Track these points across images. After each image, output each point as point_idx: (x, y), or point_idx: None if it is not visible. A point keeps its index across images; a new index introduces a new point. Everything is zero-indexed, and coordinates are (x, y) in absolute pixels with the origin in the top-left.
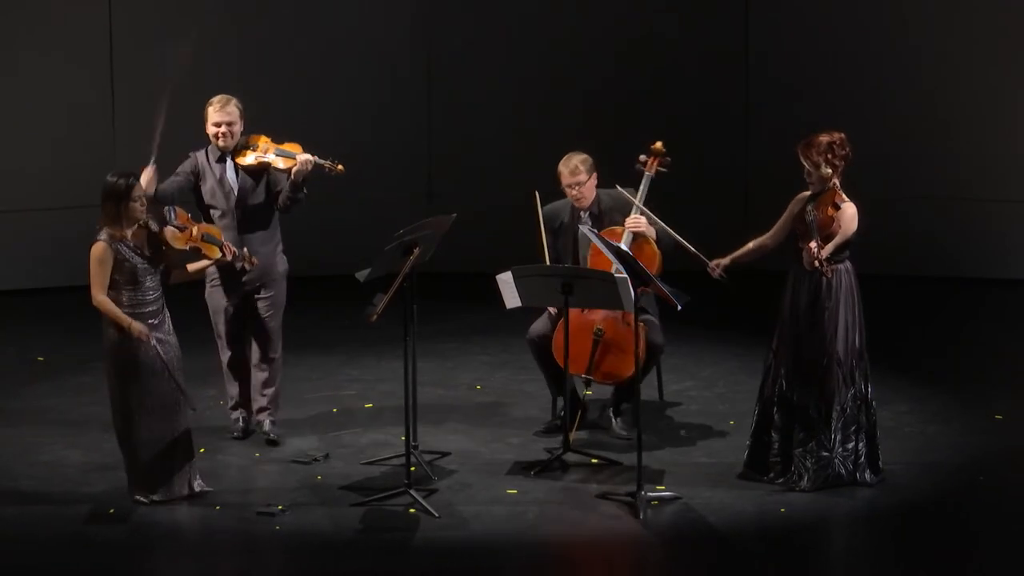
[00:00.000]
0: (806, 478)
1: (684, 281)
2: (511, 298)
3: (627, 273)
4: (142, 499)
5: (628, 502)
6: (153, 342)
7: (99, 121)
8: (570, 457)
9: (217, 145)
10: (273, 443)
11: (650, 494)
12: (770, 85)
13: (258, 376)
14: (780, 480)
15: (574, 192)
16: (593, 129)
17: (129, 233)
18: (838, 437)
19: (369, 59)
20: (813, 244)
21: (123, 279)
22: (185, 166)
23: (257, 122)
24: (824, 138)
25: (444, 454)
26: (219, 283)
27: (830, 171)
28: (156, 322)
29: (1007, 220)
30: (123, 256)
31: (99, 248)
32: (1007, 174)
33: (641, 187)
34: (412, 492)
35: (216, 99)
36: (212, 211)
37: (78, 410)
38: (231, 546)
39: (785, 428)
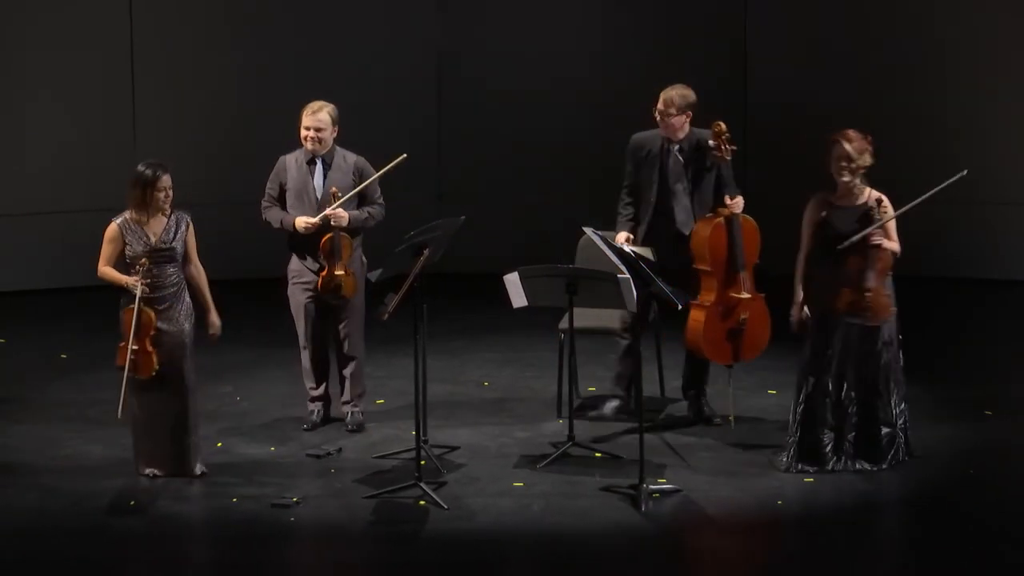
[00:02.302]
0: (884, 457)
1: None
2: (518, 298)
3: (629, 274)
4: (145, 472)
5: (630, 495)
6: (138, 291)
7: (119, 126)
8: (574, 451)
9: (307, 148)
10: (353, 432)
11: (651, 487)
12: (769, 87)
13: (342, 374)
14: (844, 467)
15: (658, 120)
16: (600, 130)
17: (151, 221)
18: (896, 411)
19: (379, 60)
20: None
21: (131, 263)
22: (273, 187)
23: (266, 124)
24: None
25: (453, 448)
26: (301, 281)
27: (871, 162)
28: (160, 308)
29: (1005, 222)
30: (130, 241)
31: (111, 228)
32: (1006, 177)
33: (727, 179)
34: (422, 485)
35: (310, 104)
36: (295, 210)
37: (98, 406)
38: (247, 537)
39: (839, 417)
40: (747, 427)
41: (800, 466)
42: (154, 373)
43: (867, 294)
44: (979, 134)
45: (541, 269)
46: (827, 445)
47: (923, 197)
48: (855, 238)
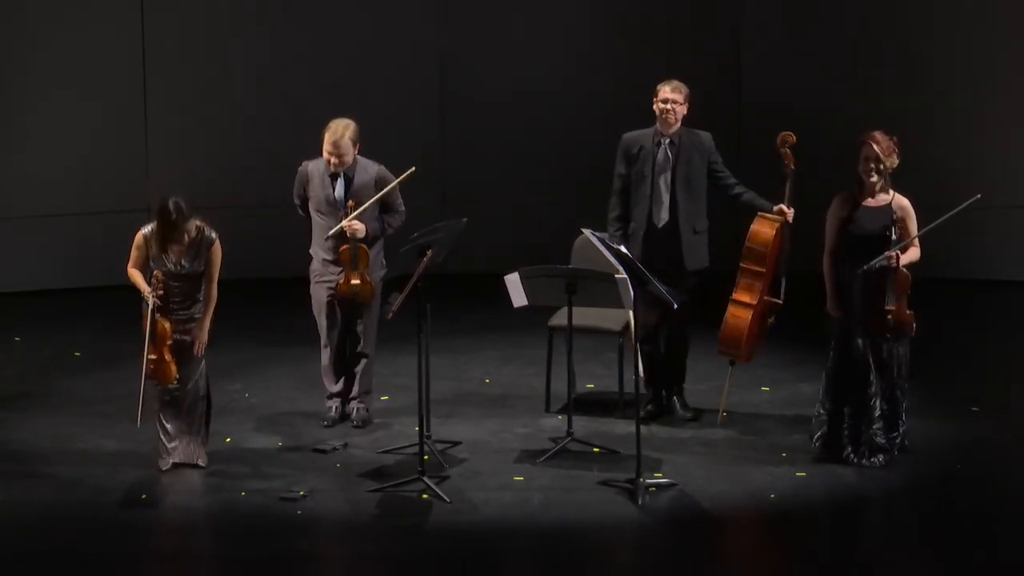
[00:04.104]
0: (881, 456)
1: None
2: (518, 297)
3: (626, 274)
4: (159, 464)
5: (628, 488)
6: (150, 300)
7: (132, 130)
8: (573, 446)
9: (328, 165)
10: (358, 428)
11: (648, 481)
12: (764, 89)
13: (353, 370)
14: (853, 459)
15: (666, 107)
16: (599, 132)
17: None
18: (902, 409)
19: (381, 64)
20: (893, 254)
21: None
22: (299, 193)
23: (270, 127)
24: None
25: (455, 443)
26: (322, 280)
27: (897, 163)
28: (181, 318)
29: (993, 223)
30: (152, 255)
31: (138, 236)
32: (995, 179)
33: (789, 189)
34: (425, 479)
35: (332, 126)
36: (319, 216)
37: (112, 402)
38: (256, 530)
39: (858, 411)
40: (741, 423)
41: (827, 453)
42: (174, 382)
43: (888, 316)
44: (971, 136)
45: (541, 269)
46: (846, 440)
47: (939, 220)
48: (874, 263)
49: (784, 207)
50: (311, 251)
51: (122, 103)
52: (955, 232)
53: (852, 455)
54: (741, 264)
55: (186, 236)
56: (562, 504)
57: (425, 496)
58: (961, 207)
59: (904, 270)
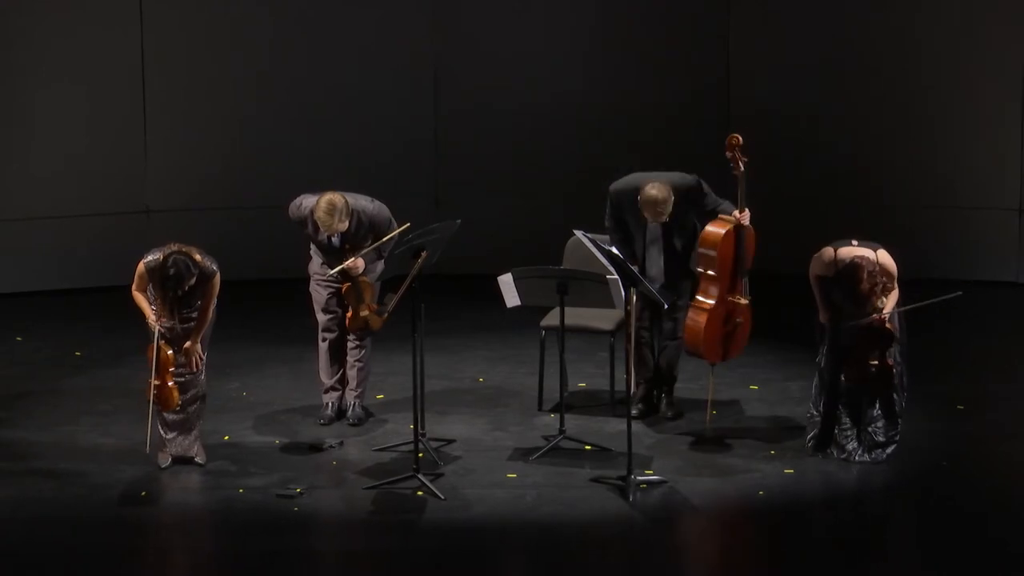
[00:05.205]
0: (879, 452)
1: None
2: (511, 297)
3: (617, 275)
4: (158, 460)
5: (619, 485)
6: (156, 332)
7: (131, 131)
8: (565, 444)
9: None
10: (354, 425)
11: (639, 478)
12: (750, 96)
13: (350, 363)
14: (855, 456)
15: (661, 219)
16: (588, 137)
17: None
18: (900, 409)
19: (377, 69)
20: (877, 317)
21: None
22: (296, 219)
23: (270, 130)
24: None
25: (449, 441)
26: (324, 280)
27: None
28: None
29: (980, 224)
30: (152, 290)
31: (140, 267)
32: (980, 180)
33: (740, 191)
34: (420, 476)
35: (327, 218)
36: (317, 250)
37: (112, 400)
38: (253, 526)
39: (855, 407)
40: (730, 421)
41: (820, 453)
42: (178, 407)
43: (872, 368)
44: (957, 138)
45: (533, 270)
46: (844, 439)
47: (920, 303)
48: (862, 322)
49: (737, 212)
50: (311, 252)
51: (122, 103)
52: (943, 234)
53: (852, 454)
54: (697, 268)
55: (187, 287)
56: (554, 501)
57: (419, 493)
58: (942, 298)
59: (890, 326)
